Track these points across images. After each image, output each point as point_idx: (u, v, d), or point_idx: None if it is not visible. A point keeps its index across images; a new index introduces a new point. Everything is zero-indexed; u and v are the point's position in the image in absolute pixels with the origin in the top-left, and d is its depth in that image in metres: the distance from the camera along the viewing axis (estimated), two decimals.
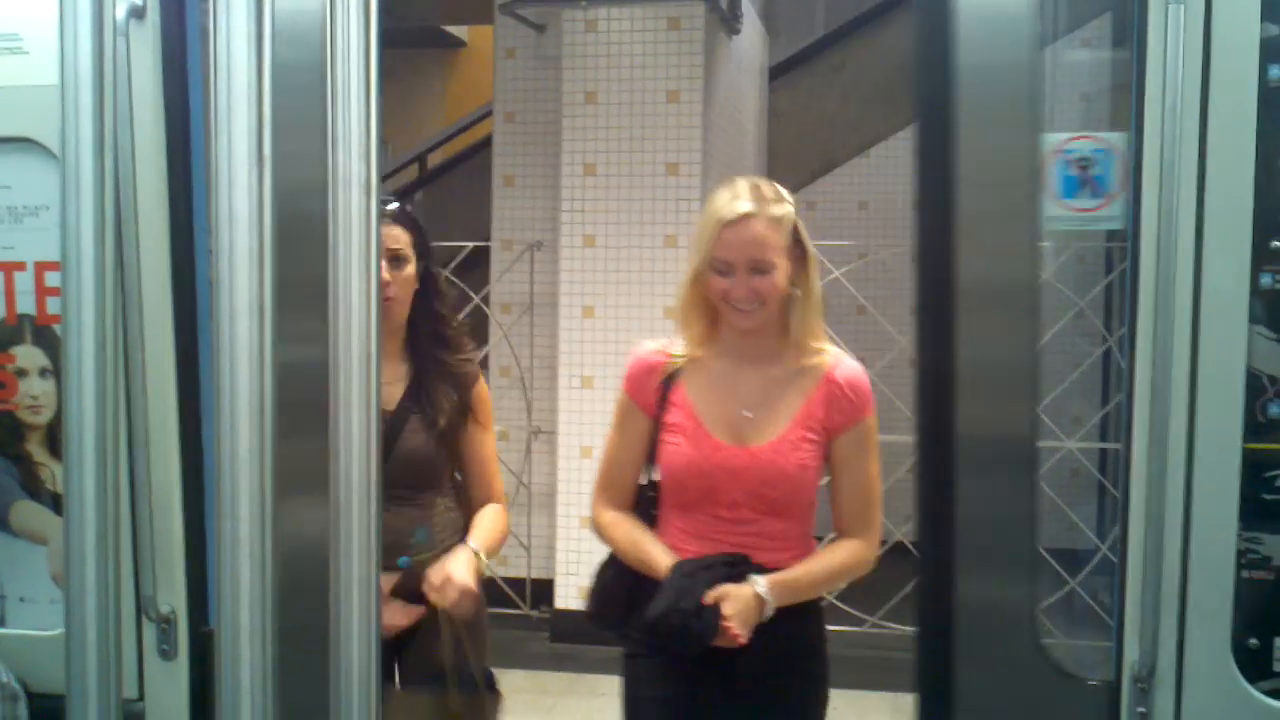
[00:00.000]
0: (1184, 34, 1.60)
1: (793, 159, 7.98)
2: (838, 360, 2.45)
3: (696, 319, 2.46)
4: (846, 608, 5.89)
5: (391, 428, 2.58)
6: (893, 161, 8.00)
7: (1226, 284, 1.66)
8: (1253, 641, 1.70)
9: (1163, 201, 1.63)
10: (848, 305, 6.87)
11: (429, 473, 2.67)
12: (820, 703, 2.55)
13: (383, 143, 0.94)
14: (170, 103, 1.82)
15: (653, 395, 2.48)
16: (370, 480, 0.93)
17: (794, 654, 2.46)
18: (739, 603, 2.28)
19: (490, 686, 2.63)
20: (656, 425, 2.46)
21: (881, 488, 2.51)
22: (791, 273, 2.38)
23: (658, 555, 2.40)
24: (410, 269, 2.60)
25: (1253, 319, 1.67)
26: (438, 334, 2.70)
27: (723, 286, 2.35)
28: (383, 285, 2.45)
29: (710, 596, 2.27)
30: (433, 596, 2.47)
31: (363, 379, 0.92)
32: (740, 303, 2.34)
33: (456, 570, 2.50)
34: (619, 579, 2.47)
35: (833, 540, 2.48)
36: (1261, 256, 1.67)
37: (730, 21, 6.26)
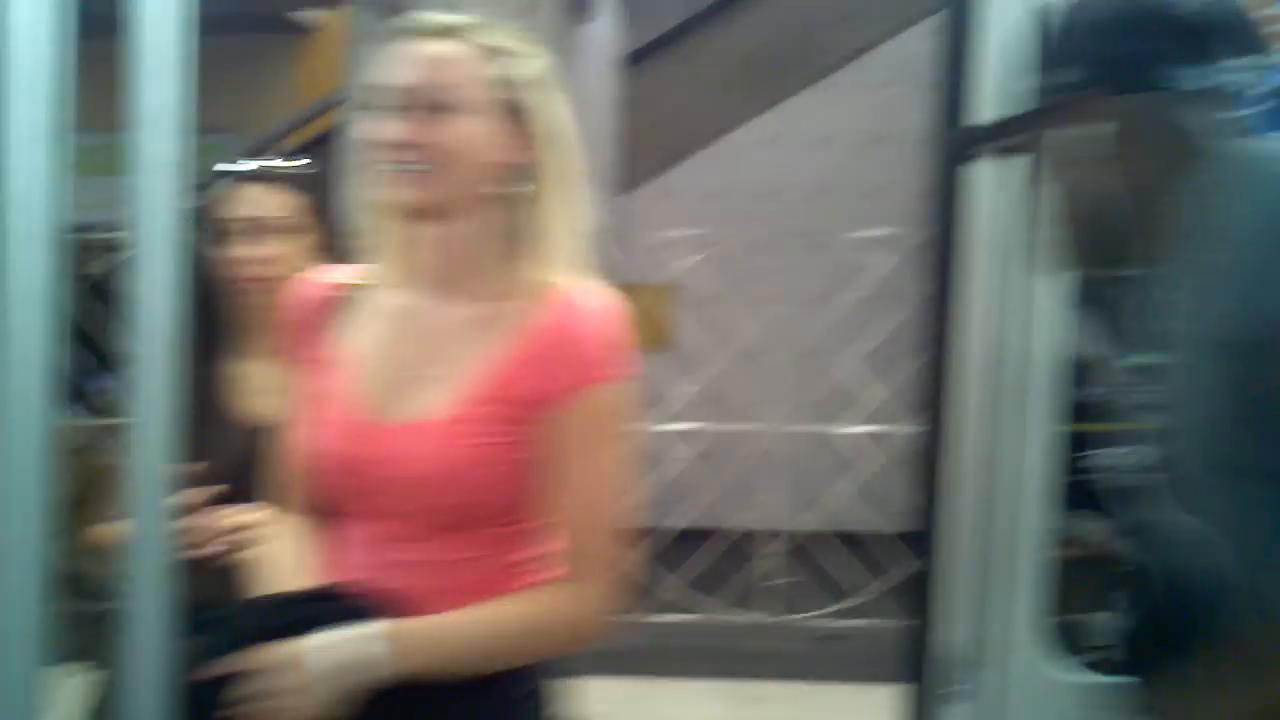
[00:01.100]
0: None
1: (645, 148, 8.01)
2: (565, 296, 1.57)
3: (375, 221, 1.62)
4: (686, 597, 5.95)
5: (254, 447, 1.94)
6: (744, 151, 8.08)
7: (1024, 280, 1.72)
8: (1062, 619, 1.78)
9: (999, 190, 1.69)
10: (698, 294, 6.93)
11: None
12: None
13: (193, 124, 0.91)
14: None
15: (304, 345, 1.64)
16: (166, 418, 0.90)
17: None
18: (281, 674, 1.39)
19: None
20: None
21: (620, 499, 1.57)
22: (515, 157, 1.57)
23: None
24: (292, 244, 2.07)
25: (1074, 303, 1.73)
26: None
27: (384, 132, 1.51)
28: (246, 263, 2.04)
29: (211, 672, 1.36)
30: None
31: (165, 378, 0.89)
32: (402, 156, 1.50)
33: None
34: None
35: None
36: None
37: (582, 8, 6.26)
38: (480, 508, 1.53)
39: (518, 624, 1.52)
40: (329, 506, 1.59)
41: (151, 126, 0.87)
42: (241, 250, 2.08)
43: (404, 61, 1.53)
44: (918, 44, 7.92)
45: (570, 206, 1.63)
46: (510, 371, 1.54)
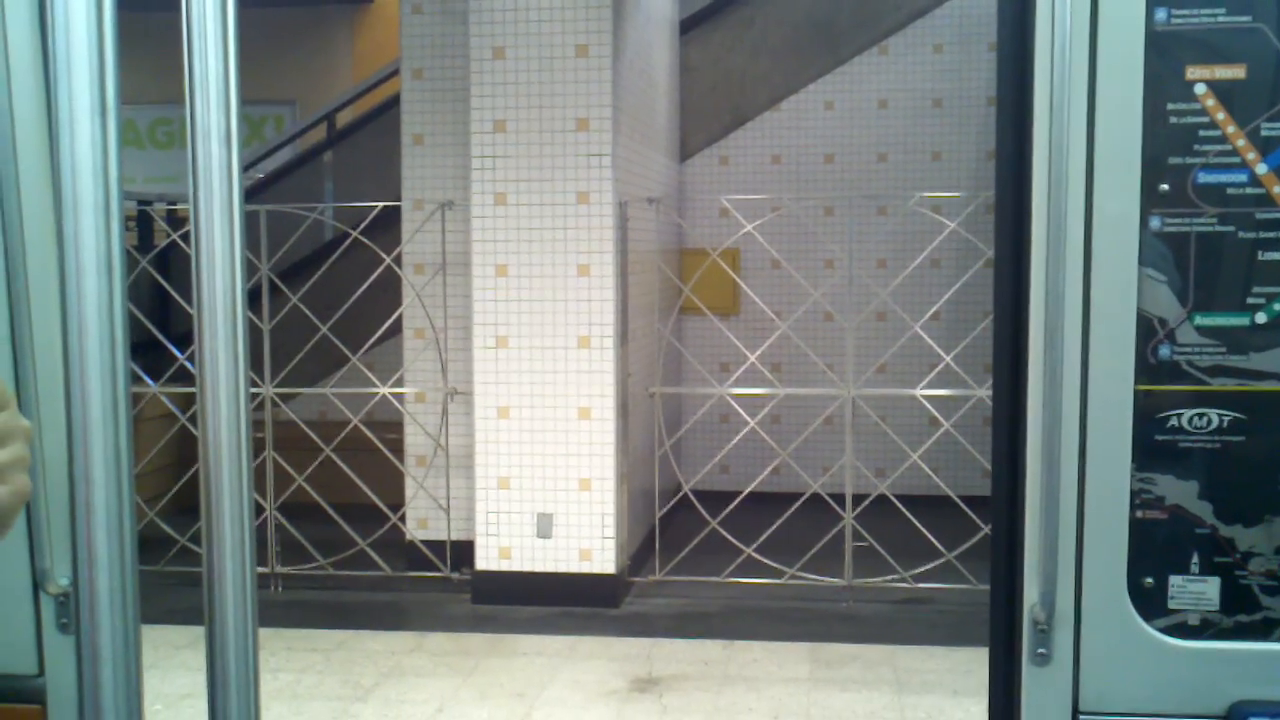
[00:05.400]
0: None
1: (705, 113, 7.97)
2: None
3: None
4: (766, 560, 5.95)
5: None
6: (803, 115, 8.01)
7: (1116, 227, 1.68)
8: (1148, 580, 1.73)
9: (1053, 149, 1.64)
10: (762, 258, 6.89)
11: None
12: None
13: (243, 94, 0.90)
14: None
15: None
16: (240, 434, 0.90)
17: None
18: None
19: None
20: None
21: None
22: None
23: None
24: None
25: (1142, 262, 1.69)
26: None
27: None
28: None
29: None
30: None
31: (229, 337, 0.88)
32: None
33: None
34: None
35: None
36: (1150, 200, 1.69)
37: None
38: None
39: None
40: None
41: (201, 96, 0.85)
42: None
43: None
44: (977, 4, 7.81)
45: None
46: None
